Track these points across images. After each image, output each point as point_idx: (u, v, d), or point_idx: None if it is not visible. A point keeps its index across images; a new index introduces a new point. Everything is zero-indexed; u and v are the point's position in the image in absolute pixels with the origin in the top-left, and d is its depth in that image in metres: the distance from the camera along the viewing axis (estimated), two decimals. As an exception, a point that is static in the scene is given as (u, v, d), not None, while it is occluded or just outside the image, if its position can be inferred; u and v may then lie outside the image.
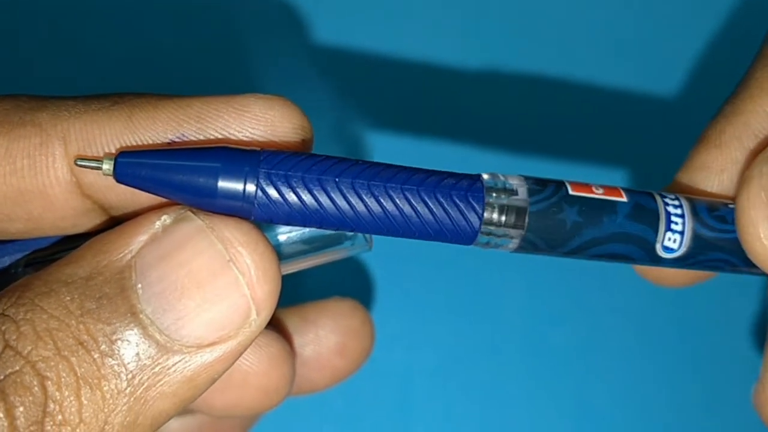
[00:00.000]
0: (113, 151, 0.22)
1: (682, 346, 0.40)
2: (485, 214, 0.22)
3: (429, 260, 0.40)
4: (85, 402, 0.20)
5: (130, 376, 0.20)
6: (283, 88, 0.41)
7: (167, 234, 0.21)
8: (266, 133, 0.22)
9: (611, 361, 0.40)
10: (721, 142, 0.28)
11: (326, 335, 0.32)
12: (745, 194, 0.25)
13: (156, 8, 0.43)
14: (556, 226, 0.23)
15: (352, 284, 0.40)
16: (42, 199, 0.23)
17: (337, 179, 0.21)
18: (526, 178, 0.23)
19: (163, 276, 0.21)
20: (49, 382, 0.20)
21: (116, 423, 0.20)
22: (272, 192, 0.21)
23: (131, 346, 0.20)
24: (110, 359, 0.20)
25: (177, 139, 0.22)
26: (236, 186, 0.21)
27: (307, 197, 0.21)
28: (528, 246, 0.23)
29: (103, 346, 0.20)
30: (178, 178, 0.21)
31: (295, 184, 0.21)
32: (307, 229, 0.24)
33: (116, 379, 0.20)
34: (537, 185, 0.23)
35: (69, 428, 0.20)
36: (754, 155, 0.27)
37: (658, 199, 0.24)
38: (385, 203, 0.22)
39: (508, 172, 0.23)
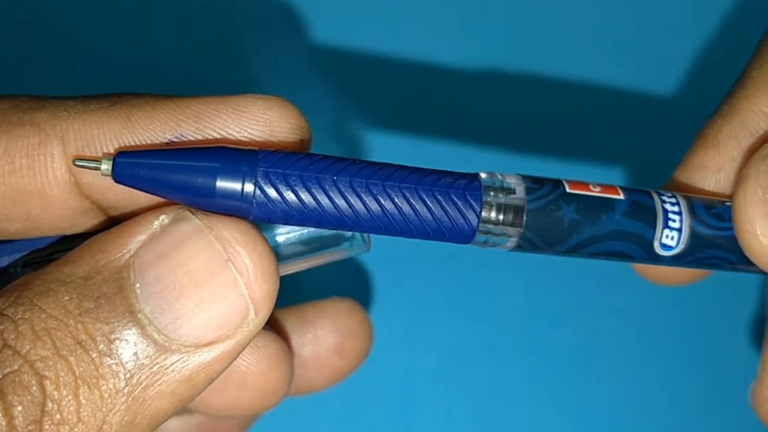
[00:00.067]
0: (112, 151, 0.22)
1: (680, 345, 0.40)
2: (483, 213, 0.22)
3: (427, 260, 0.40)
4: (84, 401, 0.20)
5: (128, 375, 0.20)
6: (281, 88, 0.41)
7: (165, 234, 0.21)
8: (264, 133, 0.22)
9: (611, 360, 0.40)
10: (718, 141, 0.28)
11: (325, 335, 0.32)
12: (742, 192, 0.25)
13: (156, 8, 0.43)
14: (553, 224, 0.23)
15: (350, 284, 0.40)
16: (40, 198, 0.23)
17: (335, 178, 0.21)
18: (524, 177, 0.23)
19: (161, 275, 0.21)
20: (48, 382, 0.20)
21: (114, 422, 0.20)
22: (270, 191, 0.21)
23: (129, 345, 0.20)
24: (108, 359, 0.20)
25: (175, 139, 0.22)
26: (234, 185, 0.21)
27: (305, 196, 0.21)
28: (526, 244, 0.23)
29: (102, 346, 0.20)
30: (177, 178, 0.21)
31: (293, 183, 0.21)
32: (305, 230, 0.24)
33: (114, 378, 0.20)
34: (534, 184, 0.23)
35: (67, 427, 0.20)
36: (751, 154, 0.27)
37: (656, 196, 0.24)
38: (383, 202, 0.22)
39: (507, 171, 0.23)
